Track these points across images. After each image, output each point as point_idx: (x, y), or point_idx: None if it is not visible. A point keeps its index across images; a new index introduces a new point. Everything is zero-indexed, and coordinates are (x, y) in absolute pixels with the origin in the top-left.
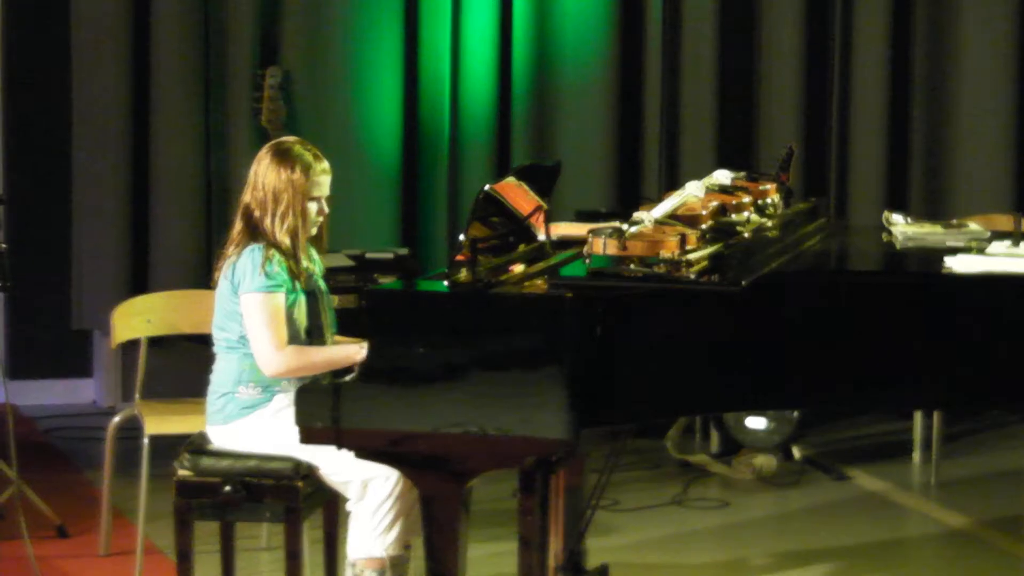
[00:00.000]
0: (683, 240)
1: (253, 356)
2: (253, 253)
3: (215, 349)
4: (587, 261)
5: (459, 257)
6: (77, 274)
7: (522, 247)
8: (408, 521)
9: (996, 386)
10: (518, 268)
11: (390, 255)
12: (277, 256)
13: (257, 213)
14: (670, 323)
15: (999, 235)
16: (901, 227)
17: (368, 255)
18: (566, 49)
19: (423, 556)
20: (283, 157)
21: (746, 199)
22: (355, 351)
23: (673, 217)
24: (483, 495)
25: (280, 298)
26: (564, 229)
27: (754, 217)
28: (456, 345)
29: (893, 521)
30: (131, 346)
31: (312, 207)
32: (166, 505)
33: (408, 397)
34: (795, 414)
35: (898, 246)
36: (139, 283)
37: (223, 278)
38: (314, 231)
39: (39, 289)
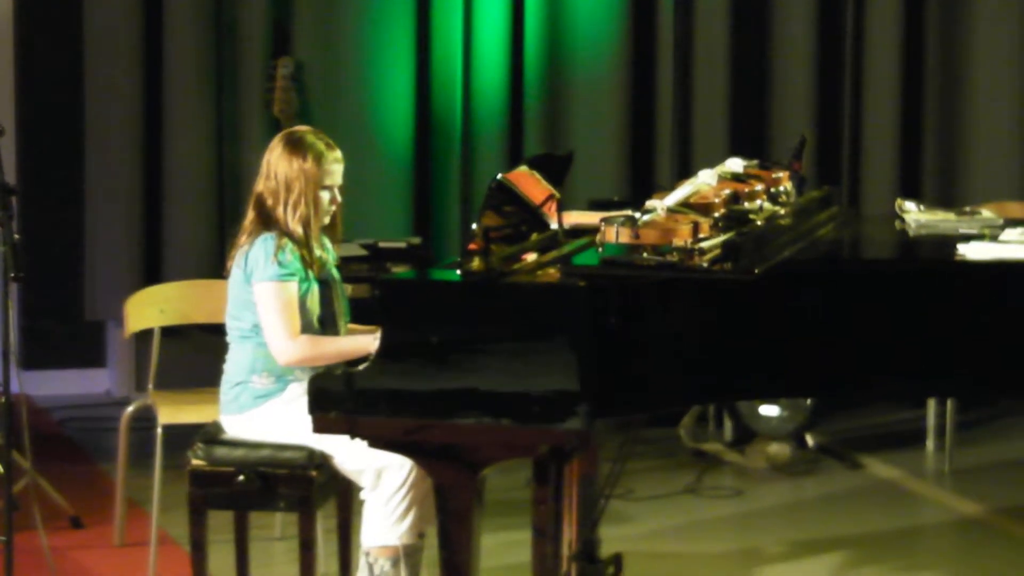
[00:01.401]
0: (696, 228)
1: (266, 345)
2: (266, 242)
3: (228, 338)
4: (600, 250)
5: (472, 246)
6: (90, 264)
7: (535, 236)
8: (422, 510)
9: (1008, 374)
10: (531, 257)
11: (403, 244)
12: (289, 245)
13: (269, 202)
14: (683, 311)
15: (1012, 222)
16: (914, 215)
17: (381, 244)
18: (578, 38)
19: (437, 545)
20: (295, 146)
21: (759, 187)
22: (369, 342)
23: (686, 205)
24: (497, 484)
25: (293, 287)
26: (577, 218)
27: (767, 205)
28: (469, 334)
29: (907, 509)
30: (144, 336)
31: (324, 196)
32: (180, 495)
33: (421, 387)
34: (808, 402)
35: (911, 234)
36: (152, 273)
37: (236, 267)
38: (327, 220)
39: (52, 279)
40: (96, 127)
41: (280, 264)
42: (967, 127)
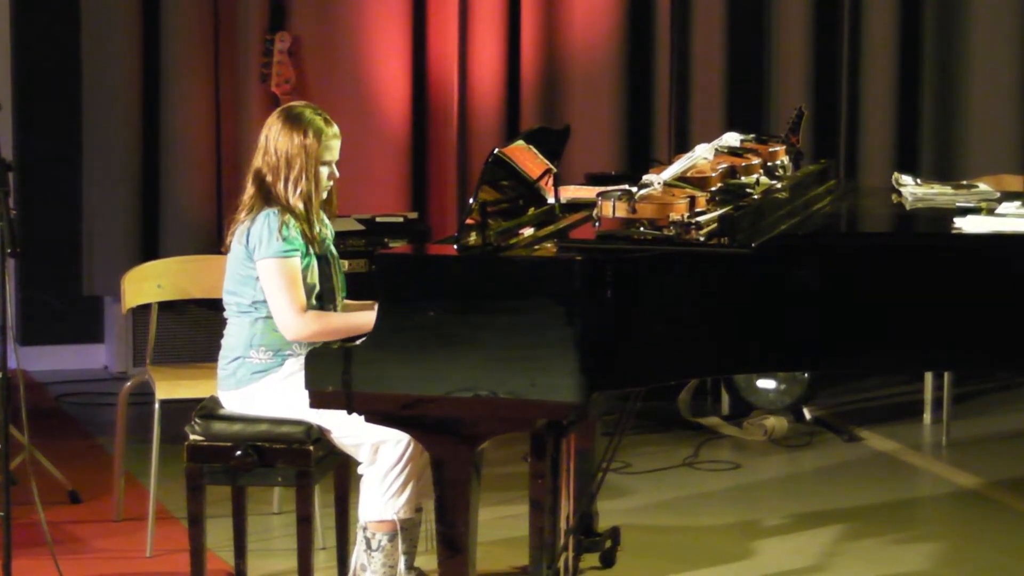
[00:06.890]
0: (692, 202)
1: (267, 321)
2: (269, 218)
3: (226, 314)
4: (597, 224)
5: (469, 221)
6: (88, 240)
7: (532, 210)
8: (419, 484)
9: (1004, 347)
10: (528, 231)
11: (400, 219)
12: (292, 221)
13: (269, 178)
14: (680, 285)
15: (1009, 195)
16: (911, 188)
17: (378, 219)
18: (576, 11)
19: (434, 519)
20: (295, 122)
21: (756, 161)
22: (374, 318)
23: (683, 179)
24: (494, 458)
25: (296, 262)
26: (574, 192)
27: (764, 179)
28: (466, 309)
29: (904, 481)
30: (142, 311)
31: (324, 172)
32: (178, 470)
33: (418, 361)
34: (806, 375)
35: (908, 207)
36: (150, 248)
37: (236, 243)
38: (325, 195)
39: (50, 255)
40: (94, 102)
41: (284, 240)
42: (964, 100)
